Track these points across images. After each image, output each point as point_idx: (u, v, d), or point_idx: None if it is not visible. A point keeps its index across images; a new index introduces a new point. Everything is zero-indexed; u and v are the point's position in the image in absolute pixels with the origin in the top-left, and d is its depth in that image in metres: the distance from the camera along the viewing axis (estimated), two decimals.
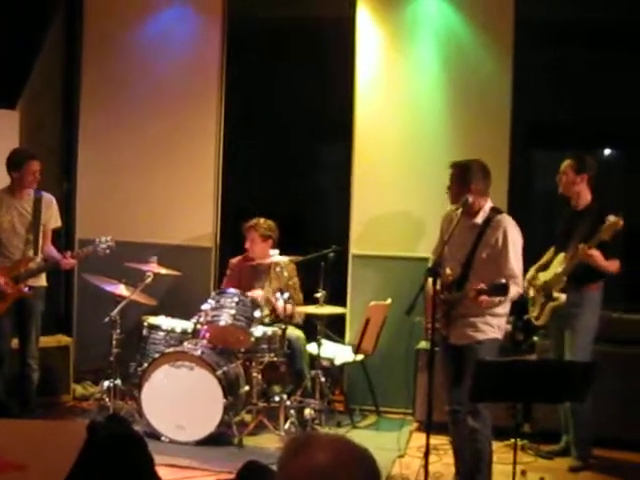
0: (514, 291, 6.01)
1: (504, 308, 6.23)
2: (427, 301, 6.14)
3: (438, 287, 6.07)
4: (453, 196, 6.29)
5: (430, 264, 6.12)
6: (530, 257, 7.46)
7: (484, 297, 5.88)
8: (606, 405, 7.32)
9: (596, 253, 6.81)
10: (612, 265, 6.94)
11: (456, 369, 6.17)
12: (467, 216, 6.20)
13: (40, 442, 3.68)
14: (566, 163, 7.22)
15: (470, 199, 6.08)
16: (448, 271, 6.24)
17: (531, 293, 7.40)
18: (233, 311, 7.53)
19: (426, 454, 5.78)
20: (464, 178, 6.19)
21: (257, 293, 8.13)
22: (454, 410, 6.25)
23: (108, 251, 7.75)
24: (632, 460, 7.50)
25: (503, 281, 5.76)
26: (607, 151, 9.75)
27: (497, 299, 5.96)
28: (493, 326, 6.19)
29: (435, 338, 5.96)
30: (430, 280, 5.75)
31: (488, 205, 6.26)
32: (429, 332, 6.25)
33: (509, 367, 5.42)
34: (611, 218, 6.68)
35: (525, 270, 7.24)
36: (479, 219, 6.20)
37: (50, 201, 7.77)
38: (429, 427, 5.81)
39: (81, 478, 3.21)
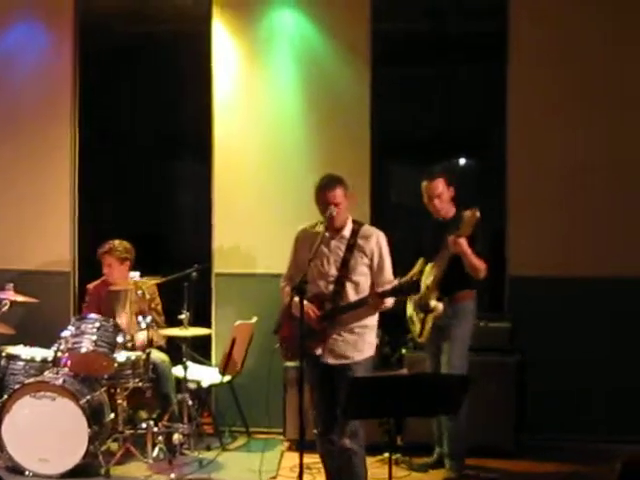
0: (392, 301, 6.05)
1: (375, 320, 6.20)
2: (287, 321, 6.01)
3: (310, 304, 6.01)
4: (338, 212, 6.09)
5: (286, 284, 6.16)
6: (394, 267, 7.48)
7: (390, 300, 5.96)
8: (478, 414, 7.33)
9: (463, 242, 6.83)
10: (479, 261, 6.96)
11: (329, 390, 6.06)
12: (331, 232, 6.12)
13: None
14: (436, 184, 7.18)
15: (334, 212, 6.00)
16: (319, 289, 6.13)
17: (409, 312, 7.37)
18: (95, 337, 7.30)
19: (300, 474, 5.67)
20: (344, 194, 6.10)
21: (120, 322, 7.91)
22: (323, 432, 6.15)
23: None
24: (503, 467, 7.55)
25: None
26: (460, 160, 9.89)
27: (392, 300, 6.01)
28: (370, 343, 6.16)
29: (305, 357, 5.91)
30: (296, 298, 5.64)
31: (350, 218, 6.21)
32: (288, 352, 6.18)
33: (382, 383, 5.35)
34: (467, 213, 6.78)
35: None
36: (346, 232, 6.14)
37: None
38: (302, 446, 5.70)
39: None
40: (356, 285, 6.08)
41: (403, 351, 7.92)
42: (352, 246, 6.11)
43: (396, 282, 5.96)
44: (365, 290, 6.04)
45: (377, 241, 6.13)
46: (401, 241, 8.68)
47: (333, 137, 8.48)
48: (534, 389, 8.06)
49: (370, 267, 6.11)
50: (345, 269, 6.09)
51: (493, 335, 7.92)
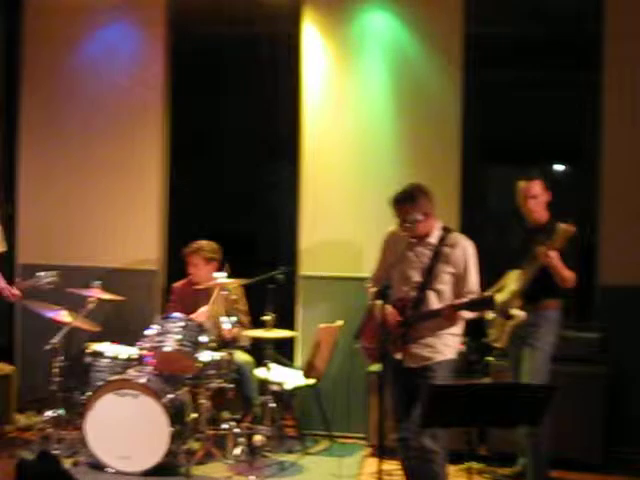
0: (469, 314, 5.97)
1: (460, 328, 6.10)
2: (369, 324, 5.96)
3: (392, 309, 5.95)
4: (408, 226, 6.01)
5: (372, 285, 6.06)
6: (482, 275, 7.35)
7: (465, 312, 5.83)
8: (562, 425, 7.18)
9: (554, 255, 6.69)
10: (569, 273, 6.81)
11: (409, 393, 5.98)
12: (418, 237, 6.04)
13: None
14: (534, 185, 7.05)
15: (419, 217, 5.91)
16: (402, 293, 6.06)
17: (490, 316, 7.24)
18: (179, 336, 7.31)
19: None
20: (416, 205, 5.99)
21: (201, 310, 7.91)
22: (404, 438, 6.06)
23: (51, 286, 7.52)
24: None
25: (487, 294, 5.65)
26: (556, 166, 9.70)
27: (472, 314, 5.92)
28: (450, 346, 6.06)
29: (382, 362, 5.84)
30: (378, 303, 5.57)
31: (438, 224, 6.11)
32: (369, 355, 6.12)
33: (461, 391, 5.23)
34: (562, 225, 6.60)
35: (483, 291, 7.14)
36: (433, 238, 6.05)
37: None
38: (382, 452, 5.63)
39: None
40: (438, 293, 5.99)
41: (489, 358, 7.78)
42: (438, 253, 6.03)
43: (474, 295, 5.85)
44: (448, 299, 5.95)
45: (463, 250, 6.03)
46: (491, 246, 8.61)
47: (423, 140, 8.39)
48: (624, 401, 7.84)
49: (454, 276, 6.01)
50: (429, 276, 6.01)
51: (582, 345, 7.73)
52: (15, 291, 7.43)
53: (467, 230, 7.99)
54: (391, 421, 6.18)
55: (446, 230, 6.13)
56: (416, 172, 8.20)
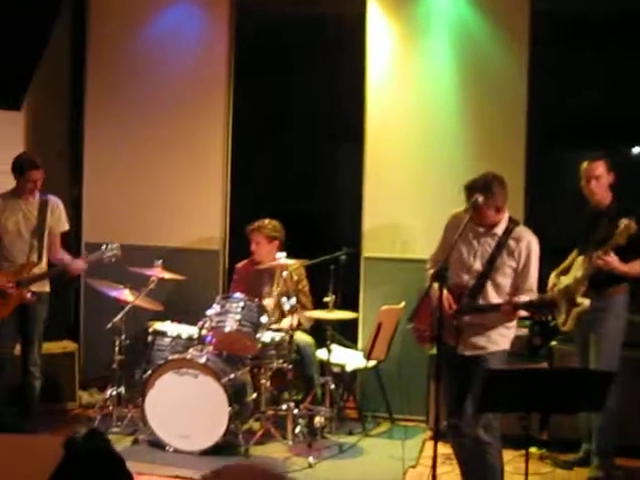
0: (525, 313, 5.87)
1: (515, 321, 6.01)
2: (424, 306, 5.89)
3: (448, 295, 5.86)
4: (479, 215, 5.87)
5: (430, 267, 5.99)
6: (550, 262, 7.23)
7: (522, 313, 5.73)
8: (631, 412, 7.05)
9: (611, 259, 6.57)
10: (632, 268, 6.68)
11: (462, 381, 5.89)
12: (485, 226, 5.93)
13: (8, 459, 3.49)
14: (597, 166, 6.91)
15: (480, 199, 5.79)
16: (460, 280, 5.97)
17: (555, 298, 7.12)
18: (239, 316, 7.31)
19: (434, 465, 5.52)
20: (491, 194, 5.85)
21: (267, 302, 7.90)
22: (455, 425, 5.98)
23: (114, 259, 7.56)
24: None
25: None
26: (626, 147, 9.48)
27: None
28: (505, 337, 5.95)
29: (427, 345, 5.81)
30: (435, 285, 5.49)
31: (506, 216, 5.97)
32: (421, 337, 6.05)
33: (518, 376, 5.15)
34: (624, 221, 6.44)
35: (547, 274, 7.03)
36: (499, 230, 5.92)
37: (56, 204, 7.56)
38: (437, 436, 5.57)
39: None
40: (497, 285, 5.86)
41: (553, 343, 7.65)
42: (502, 245, 5.89)
43: (534, 296, 5.72)
44: (505, 292, 5.81)
45: (527, 245, 5.86)
46: (557, 229, 8.46)
47: (488, 120, 8.26)
48: None
49: (514, 270, 5.87)
50: (490, 267, 5.88)
51: None
52: (80, 264, 7.48)
53: (532, 212, 7.94)
54: (443, 407, 6.12)
55: (513, 222, 5.99)
56: (480, 152, 8.12)
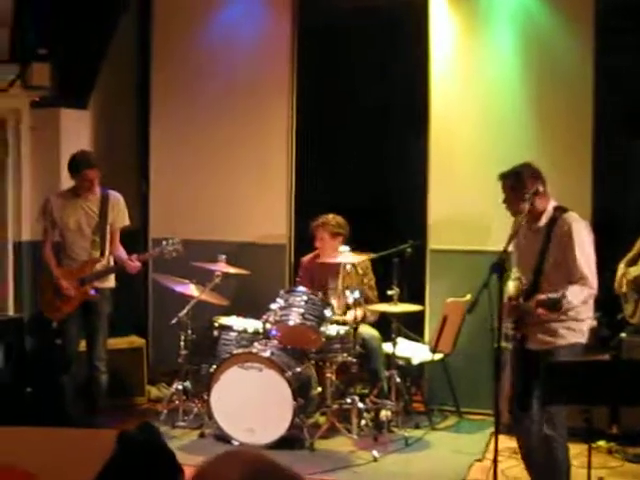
0: (585, 294, 5.66)
1: (587, 312, 5.85)
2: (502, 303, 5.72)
3: (513, 292, 5.79)
4: (511, 207, 5.95)
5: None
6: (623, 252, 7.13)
7: (541, 310, 5.56)
8: None
9: None
10: None
11: (529, 375, 5.80)
12: (531, 220, 5.87)
13: (60, 452, 3.52)
14: None
15: (540, 188, 5.72)
16: (526, 279, 5.90)
17: (623, 289, 7.02)
18: (302, 310, 7.31)
19: (495, 459, 5.47)
20: (517, 186, 5.84)
21: (332, 296, 7.89)
22: (519, 418, 5.91)
23: (175, 254, 7.59)
24: None
25: (557, 295, 5.40)
26: None
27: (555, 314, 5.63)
28: (575, 330, 5.81)
29: (509, 341, 5.74)
30: (494, 276, 5.42)
31: (551, 205, 5.87)
32: (507, 336, 5.95)
33: (580, 368, 5.08)
34: None
35: (610, 265, 6.91)
36: (543, 221, 5.83)
37: (117, 200, 7.62)
38: (497, 430, 5.51)
39: None
40: (550, 280, 5.74)
41: (622, 335, 7.51)
42: (548, 236, 5.80)
43: (585, 286, 5.60)
44: (560, 284, 5.60)
45: (568, 231, 5.73)
46: (626, 217, 8.32)
47: (553, 109, 8.13)
48: None
49: (562, 261, 5.74)
50: (541, 262, 5.79)
51: None
52: (136, 263, 7.51)
53: (599, 202, 7.81)
54: (509, 402, 6.04)
55: (559, 210, 5.88)
56: (545, 141, 7.99)
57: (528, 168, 5.92)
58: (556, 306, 5.43)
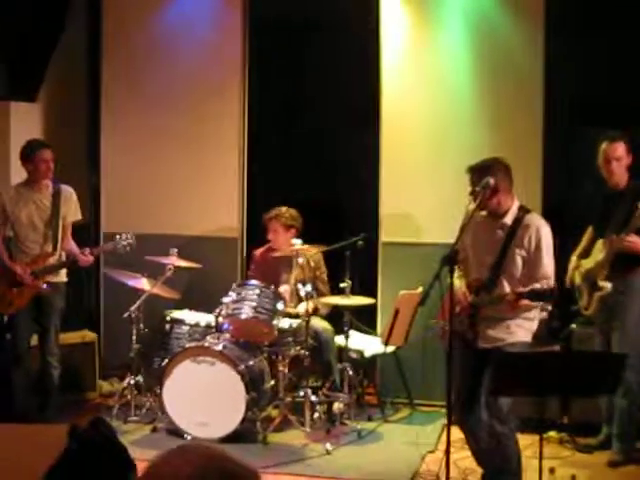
0: (535, 303, 5.76)
1: (536, 312, 5.94)
2: (446, 302, 5.69)
3: (464, 289, 5.84)
4: (479, 200, 5.90)
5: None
6: (572, 245, 7.18)
7: (524, 301, 5.60)
8: None
9: (634, 239, 6.49)
10: None
11: (477, 375, 5.83)
12: (494, 217, 5.89)
13: (11, 447, 3.49)
14: (617, 147, 6.83)
15: (492, 181, 5.75)
16: (478, 274, 5.94)
17: (577, 281, 7.07)
18: (254, 303, 7.31)
19: (447, 450, 5.50)
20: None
21: (284, 288, 7.89)
22: (466, 419, 5.96)
23: (128, 248, 7.56)
24: None
25: (547, 287, 5.46)
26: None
27: (536, 303, 5.68)
28: (525, 328, 5.90)
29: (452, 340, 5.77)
30: (445, 268, 5.44)
31: (516, 204, 5.93)
32: (446, 333, 5.94)
33: (530, 359, 5.12)
34: None
35: (567, 257, 6.97)
36: (508, 219, 5.87)
37: (69, 194, 7.58)
38: (449, 421, 5.56)
39: None
40: (511, 277, 5.82)
41: (573, 326, 7.58)
42: (511, 235, 5.85)
43: (547, 284, 5.66)
44: (520, 283, 5.72)
45: (536, 232, 5.80)
46: (576, 212, 8.37)
47: (504, 104, 8.19)
48: None
49: (526, 259, 5.81)
50: (502, 258, 5.85)
51: None
52: (89, 257, 7.46)
53: (549, 196, 7.87)
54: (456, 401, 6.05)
55: (523, 210, 5.93)
56: (497, 136, 8.06)
57: (498, 163, 5.94)
58: (545, 297, 5.49)
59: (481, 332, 5.88)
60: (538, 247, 5.78)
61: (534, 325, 5.97)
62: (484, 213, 5.92)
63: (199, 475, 2.13)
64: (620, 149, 6.84)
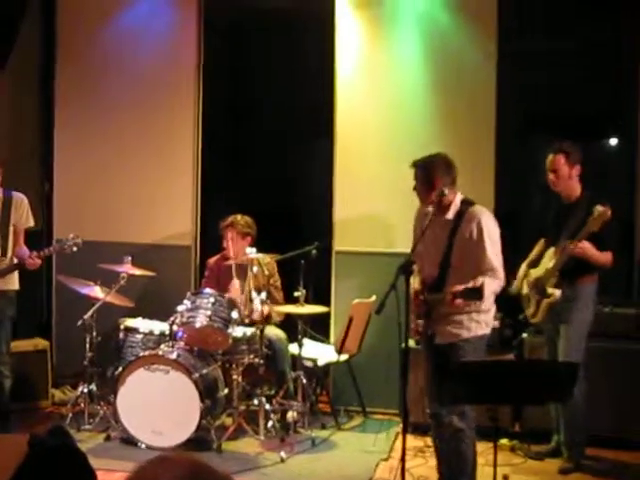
0: (495, 285, 5.76)
1: (490, 304, 5.96)
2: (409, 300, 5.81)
3: (418, 286, 5.90)
4: (420, 196, 6.07)
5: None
6: (523, 253, 7.25)
7: (459, 301, 5.62)
8: (599, 403, 7.09)
9: (586, 245, 6.57)
10: (604, 257, 6.69)
11: (441, 370, 5.89)
12: (439, 213, 5.94)
13: None
14: (556, 159, 6.91)
15: (446, 191, 5.83)
16: (428, 271, 6.00)
17: (525, 290, 7.15)
18: (209, 312, 7.30)
19: (402, 458, 5.56)
20: (427, 175, 5.96)
21: (234, 283, 7.90)
22: (436, 413, 5.99)
23: (75, 249, 7.49)
24: (626, 460, 7.24)
25: (478, 284, 5.49)
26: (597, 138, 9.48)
27: (473, 302, 5.71)
28: (480, 322, 5.92)
29: (419, 338, 5.84)
30: (401, 277, 5.49)
31: (458, 198, 5.98)
32: (415, 333, 6.04)
33: (486, 368, 5.17)
34: (599, 208, 6.43)
35: (516, 266, 7.04)
36: (450, 214, 5.92)
37: (20, 200, 7.51)
38: (405, 429, 5.61)
39: None
40: (459, 272, 5.83)
41: (524, 335, 7.67)
42: (455, 229, 5.89)
43: (495, 276, 5.72)
44: (468, 277, 5.68)
45: (478, 224, 5.83)
46: (528, 221, 8.48)
47: (457, 113, 8.26)
48: None
49: (470, 253, 5.84)
50: (448, 254, 5.90)
51: (620, 322, 7.58)
52: (36, 260, 7.39)
53: (502, 202, 7.95)
54: (425, 397, 6.14)
55: (466, 204, 5.98)
56: (450, 145, 8.05)
57: (440, 158, 6.01)
58: (477, 295, 5.52)
59: (438, 329, 5.93)
60: (481, 238, 5.80)
61: (489, 316, 5.99)
62: (431, 210, 5.98)
63: None
64: (557, 162, 6.91)
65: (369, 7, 8.42)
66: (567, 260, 6.74)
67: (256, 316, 7.56)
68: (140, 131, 8.90)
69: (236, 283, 7.96)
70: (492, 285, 5.69)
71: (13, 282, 7.45)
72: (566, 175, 6.90)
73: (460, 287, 5.57)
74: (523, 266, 7.22)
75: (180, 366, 7.15)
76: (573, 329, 6.88)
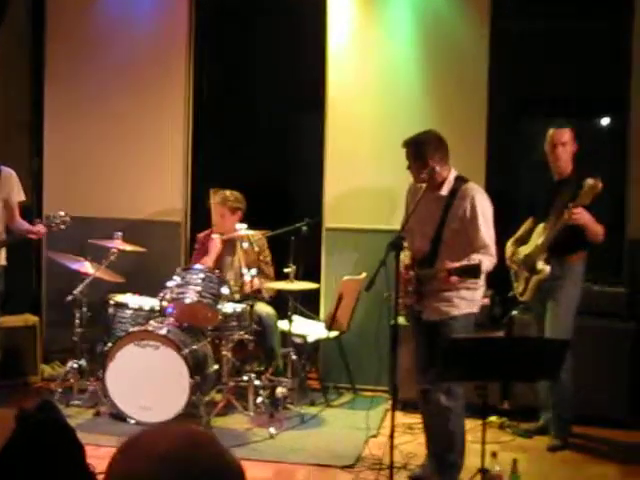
0: (487, 262, 5.73)
1: (480, 281, 5.94)
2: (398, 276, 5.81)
3: (408, 262, 5.91)
4: (413, 174, 6.06)
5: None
6: (513, 232, 7.26)
7: (455, 278, 5.61)
8: (587, 380, 7.11)
9: (580, 211, 6.52)
10: (599, 226, 6.67)
11: (429, 346, 5.90)
12: (432, 189, 5.93)
13: None
14: (566, 132, 6.93)
15: (437, 168, 5.82)
16: (419, 246, 6.00)
17: (514, 268, 7.16)
18: (199, 288, 7.28)
19: (391, 434, 5.57)
20: (419, 153, 5.95)
21: (228, 273, 7.91)
22: (425, 389, 6.00)
23: (63, 227, 7.49)
24: (613, 438, 7.27)
25: (476, 262, 5.49)
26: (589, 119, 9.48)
27: (469, 280, 5.71)
28: (468, 300, 5.91)
29: (407, 314, 5.84)
30: (391, 254, 5.50)
31: (452, 175, 5.98)
32: (404, 307, 6.04)
33: (477, 345, 5.18)
34: (589, 181, 6.42)
35: (502, 244, 7.03)
36: (444, 191, 5.92)
37: (9, 174, 7.50)
38: (394, 406, 5.63)
39: (6, 468, 3.00)
40: (451, 249, 5.83)
41: (514, 312, 7.68)
42: (447, 207, 5.89)
43: (488, 253, 5.72)
44: (460, 254, 5.70)
45: (471, 201, 5.83)
46: (519, 200, 8.48)
47: (450, 89, 8.25)
48: None
49: (462, 230, 5.83)
50: (440, 230, 5.89)
51: (609, 300, 7.59)
52: (39, 228, 7.40)
53: (492, 184, 7.95)
54: (415, 373, 6.15)
55: (459, 181, 5.98)
56: (442, 122, 8.04)
57: (431, 136, 6.00)
58: (473, 273, 5.52)
59: (427, 305, 5.93)
60: (474, 216, 5.79)
61: (478, 294, 5.99)
62: (424, 185, 5.97)
63: (172, 458, 2.02)
64: (567, 135, 6.95)
65: None
66: (559, 233, 6.71)
67: (247, 288, 7.56)
68: (131, 107, 8.86)
69: (226, 261, 7.97)
70: (485, 263, 5.68)
71: (1, 257, 7.45)
72: (571, 151, 6.92)
73: (456, 264, 5.56)
74: (508, 244, 7.23)
75: (170, 342, 7.14)
76: (561, 307, 6.90)
